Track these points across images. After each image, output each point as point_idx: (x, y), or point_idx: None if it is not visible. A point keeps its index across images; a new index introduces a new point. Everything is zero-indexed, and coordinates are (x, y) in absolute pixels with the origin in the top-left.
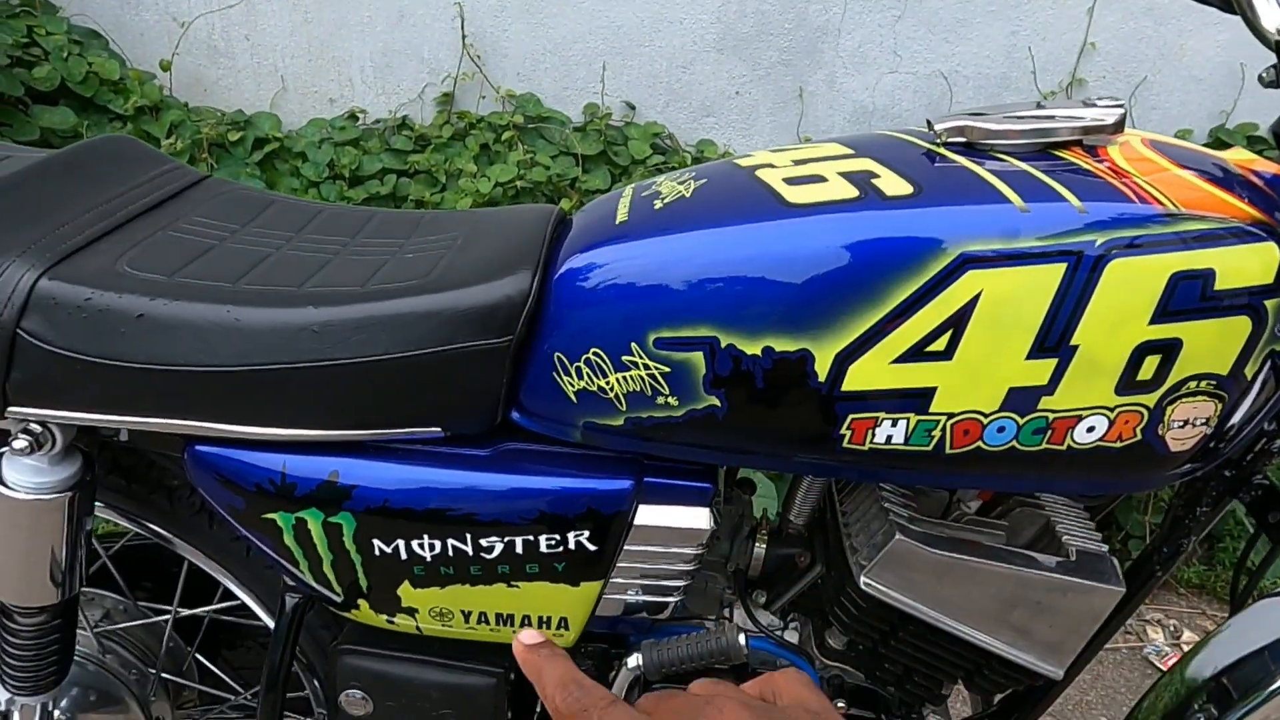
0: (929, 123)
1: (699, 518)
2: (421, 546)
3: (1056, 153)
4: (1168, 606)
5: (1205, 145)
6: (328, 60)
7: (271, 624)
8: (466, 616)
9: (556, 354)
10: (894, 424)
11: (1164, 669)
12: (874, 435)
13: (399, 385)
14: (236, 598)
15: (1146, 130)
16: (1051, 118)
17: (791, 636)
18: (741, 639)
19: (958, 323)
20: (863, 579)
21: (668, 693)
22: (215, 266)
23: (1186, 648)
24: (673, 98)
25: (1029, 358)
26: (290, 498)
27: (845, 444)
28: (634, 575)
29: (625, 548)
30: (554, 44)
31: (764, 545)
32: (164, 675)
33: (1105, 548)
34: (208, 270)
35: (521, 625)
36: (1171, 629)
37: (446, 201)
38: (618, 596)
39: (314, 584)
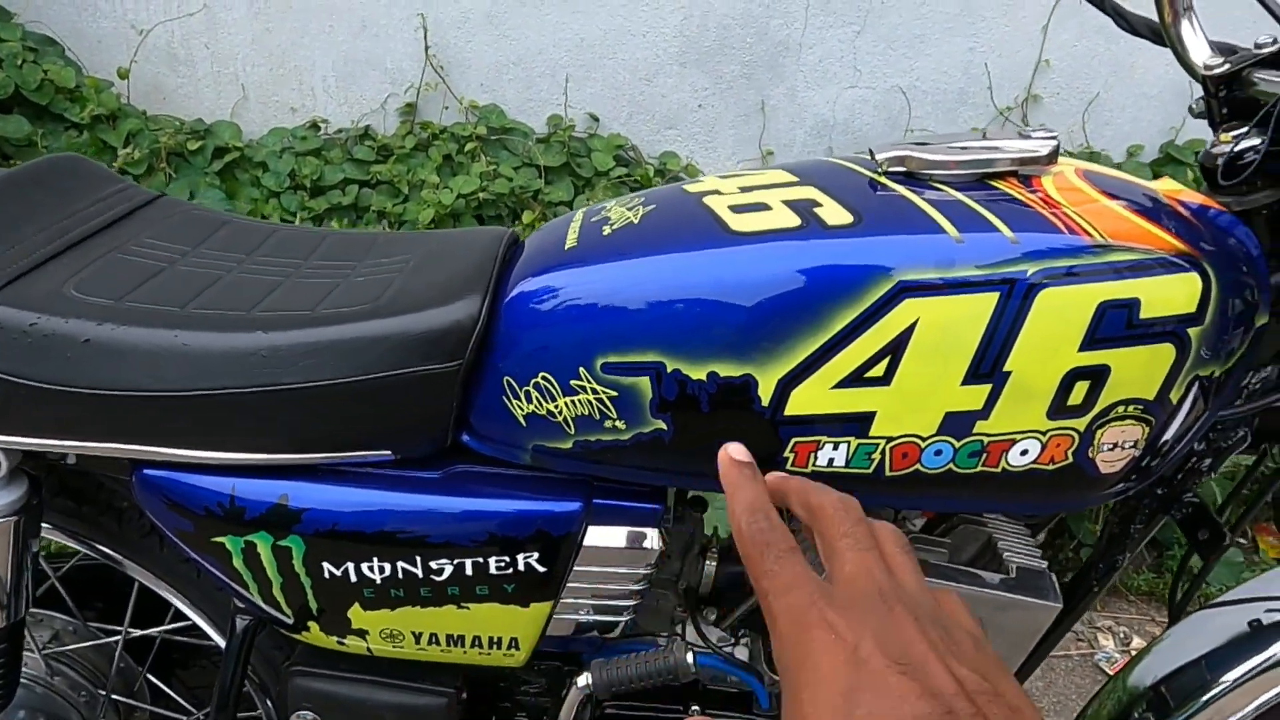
0: (871, 152)
1: (647, 539)
2: (371, 569)
3: (993, 183)
4: (1118, 614)
5: (1156, 160)
6: (289, 69)
7: (223, 644)
8: (417, 638)
9: (506, 378)
10: (835, 447)
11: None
12: (816, 458)
13: (349, 409)
14: (188, 618)
15: (1099, 145)
16: (989, 148)
17: (742, 653)
18: (690, 657)
19: (895, 349)
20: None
21: (860, 563)
22: (164, 290)
23: (1139, 648)
24: (636, 110)
25: (964, 383)
26: (239, 521)
27: (788, 466)
28: (584, 595)
29: (575, 569)
30: (517, 55)
31: (714, 563)
32: (114, 697)
33: (1044, 564)
34: (157, 294)
35: (472, 646)
36: (1122, 636)
37: (409, 212)
38: (568, 616)
39: (264, 606)
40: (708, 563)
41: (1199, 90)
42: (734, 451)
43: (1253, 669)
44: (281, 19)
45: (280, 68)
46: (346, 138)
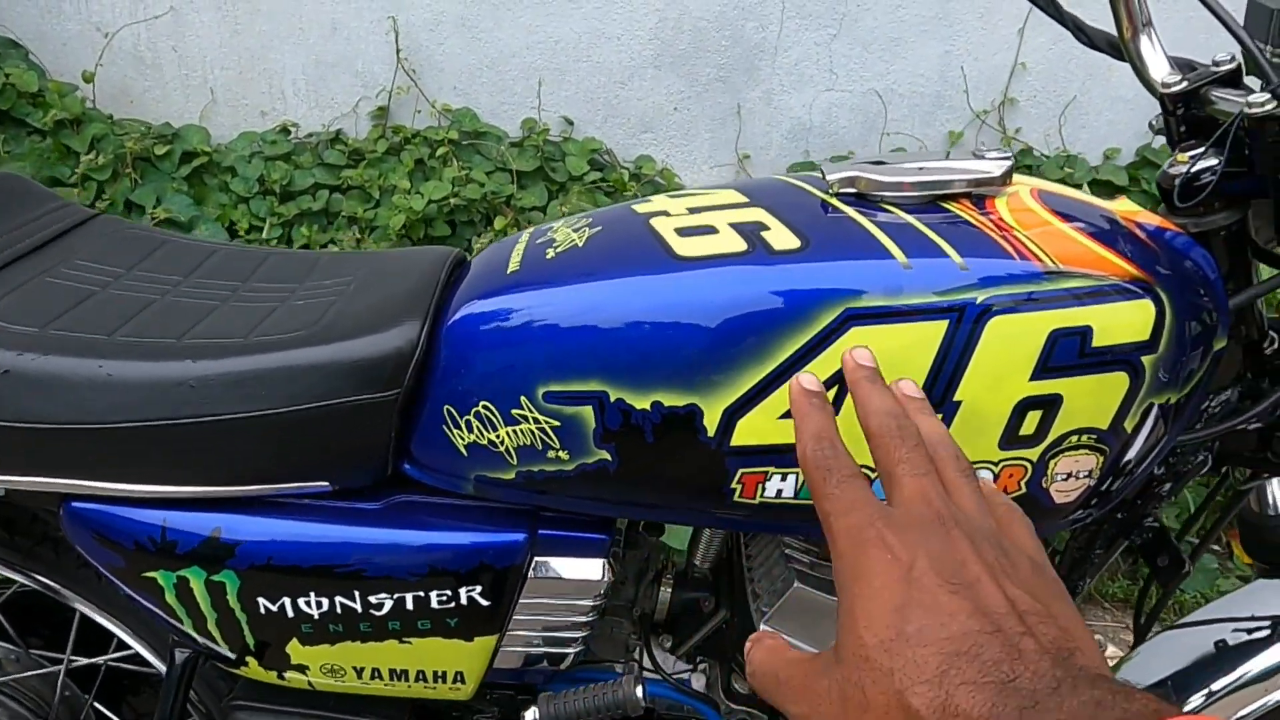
0: (822, 172)
1: (595, 569)
2: (309, 604)
3: (944, 205)
4: (1093, 621)
5: (1132, 163)
6: (258, 72)
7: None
8: (359, 673)
9: (446, 406)
10: (783, 478)
11: None
12: (764, 489)
13: (282, 440)
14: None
15: (1076, 149)
16: (942, 169)
17: (699, 681)
18: (639, 691)
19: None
20: (763, 627)
21: (918, 488)
22: (92, 316)
23: (1112, 661)
24: (611, 113)
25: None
26: (171, 555)
27: (736, 498)
28: (531, 628)
29: (520, 601)
30: (490, 58)
31: (669, 589)
32: None
33: None
34: (84, 321)
35: (416, 680)
36: (1098, 643)
37: (380, 218)
38: (515, 649)
39: (200, 640)
40: (663, 589)
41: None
42: (805, 382)
43: (1219, 690)
44: (250, 21)
45: (249, 71)
46: (317, 142)
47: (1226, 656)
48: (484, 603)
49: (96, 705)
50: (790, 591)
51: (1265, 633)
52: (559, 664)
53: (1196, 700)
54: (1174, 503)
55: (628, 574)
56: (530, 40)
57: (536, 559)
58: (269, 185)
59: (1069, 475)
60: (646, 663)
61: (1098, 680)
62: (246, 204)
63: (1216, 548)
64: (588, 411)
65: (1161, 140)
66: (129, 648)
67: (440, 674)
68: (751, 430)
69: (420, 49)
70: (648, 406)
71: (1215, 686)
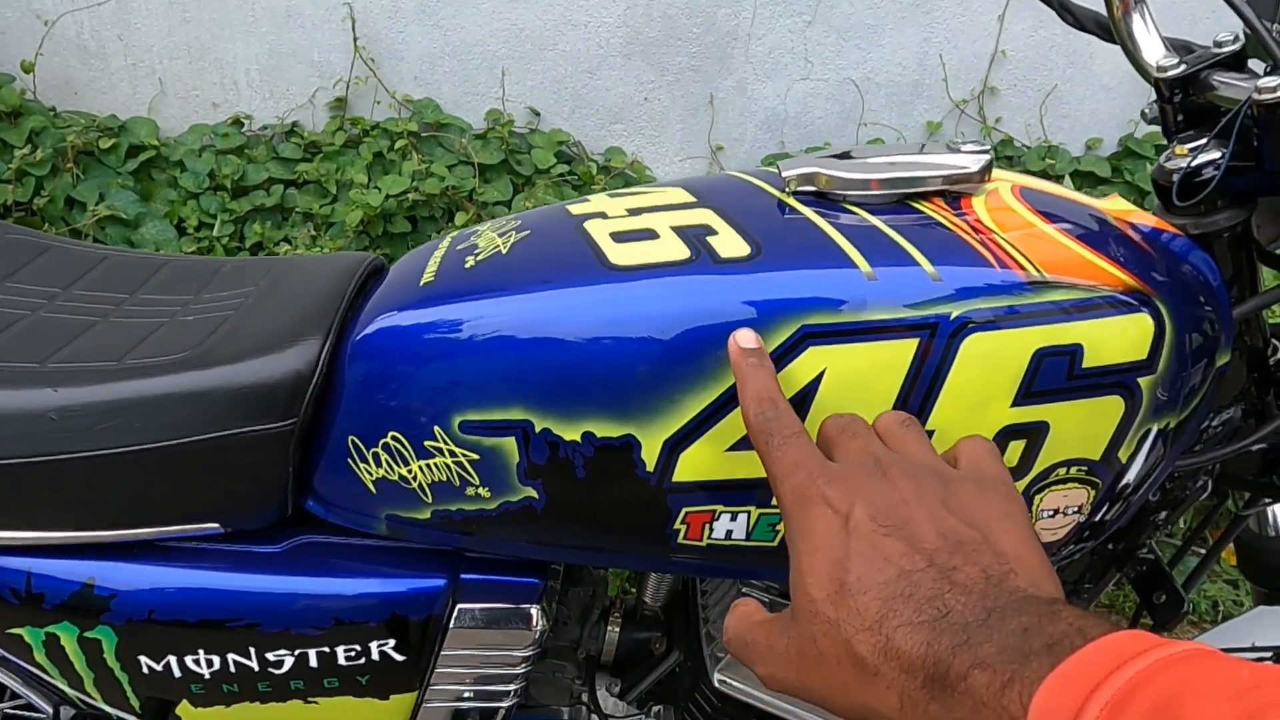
0: (779, 169)
1: (526, 617)
2: (198, 663)
3: (915, 205)
4: None
5: (1115, 154)
6: (209, 62)
7: None
8: None
9: (351, 437)
10: (733, 518)
11: None
12: (712, 530)
13: (163, 478)
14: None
15: (1058, 138)
16: (912, 164)
17: None
18: None
19: (800, 405)
20: (716, 675)
21: (858, 444)
22: None
23: None
24: (579, 104)
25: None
26: (38, 610)
27: (681, 539)
28: (456, 682)
29: (442, 654)
30: (453, 47)
31: (617, 629)
32: None
33: None
34: None
35: None
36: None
37: (337, 213)
38: (439, 705)
39: (77, 699)
40: (610, 628)
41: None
42: (742, 339)
43: None
44: (199, 8)
45: (200, 61)
46: (272, 134)
47: None
48: (399, 658)
49: None
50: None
51: (1267, 664)
52: (491, 718)
53: None
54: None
55: (571, 612)
56: (494, 28)
57: (460, 606)
58: (220, 180)
59: (1056, 511)
60: (593, 710)
61: (1026, 604)
62: (196, 200)
63: (1202, 550)
64: (510, 443)
65: (1146, 129)
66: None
67: None
68: (696, 464)
69: (379, 37)
70: (578, 438)
71: None
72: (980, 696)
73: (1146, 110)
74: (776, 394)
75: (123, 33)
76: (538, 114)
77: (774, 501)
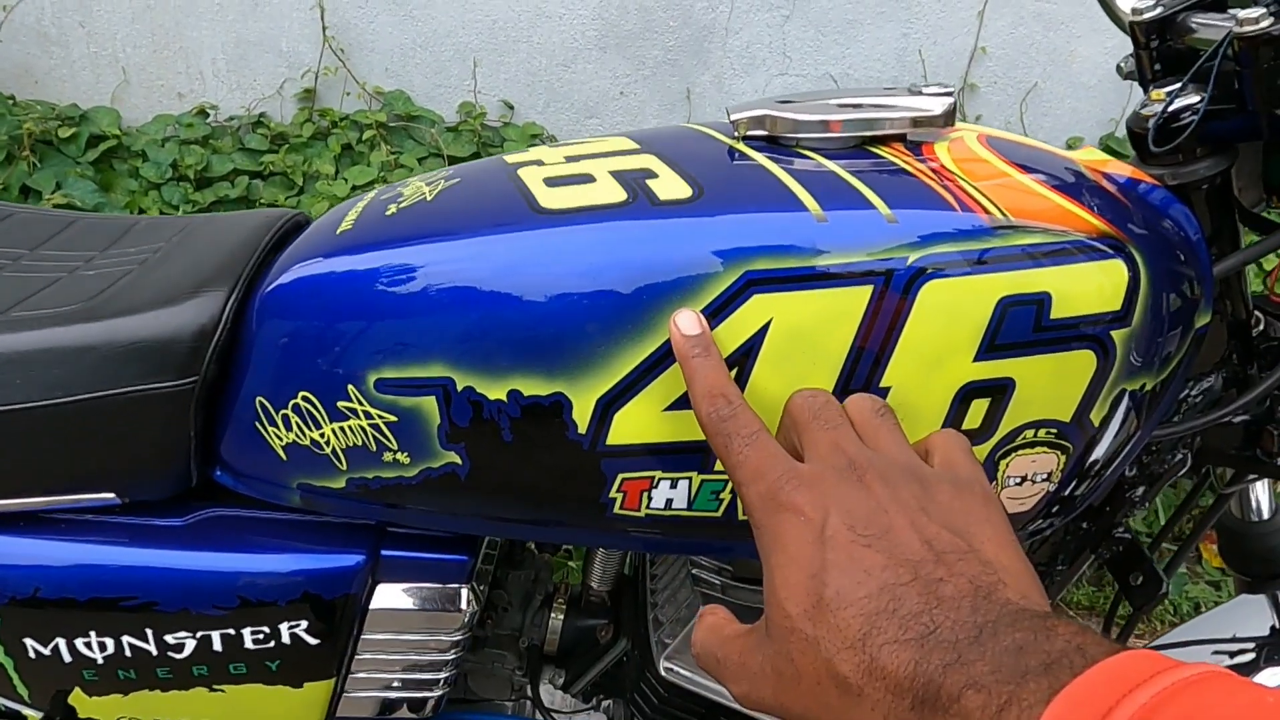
0: (728, 113)
1: (454, 598)
2: (90, 646)
3: (873, 149)
4: None
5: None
6: (174, 51)
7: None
8: None
9: (258, 398)
10: (673, 485)
11: None
12: (650, 498)
13: (49, 441)
14: None
15: (1038, 136)
16: (870, 106)
17: None
18: None
19: (744, 359)
20: (663, 663)
21: (831, 440)
22: None
23: None
24: (553, 97)
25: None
26: None
27: (617, 509)
28: (378, 669)
29: (363, 637)
30: (425, 38)
31: (561, 616)
32: None
33: None
34: None
35: None
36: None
37: (303, 205)
38: (361, 694)
39: None
40: (554, 615)
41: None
42: (683, 324)
43: None
44: None
45: (165, 49)
46: (238, 125)
47: None
48: (312, 641)
49: None
50: (696, 619)
51: (1249, 656)
52: (421, 710)
53: None
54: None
55: (511, 598)
56: (466, 19)
57: (380, 586)
58: (183, 171)
59: (1024, 479)
60: (535, 702)
61: (1019, 619)
62: (158, 190)
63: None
64: (430, 403)
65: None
66: None
67: None
68: (632, 425)
69: (349, 27)
70: (503, 396)
71: None
72: (974, 719)
73: (1122, 64)
74: (729, 387)
75: (85, 19)
76: (511, 107)
77: (717, 467)
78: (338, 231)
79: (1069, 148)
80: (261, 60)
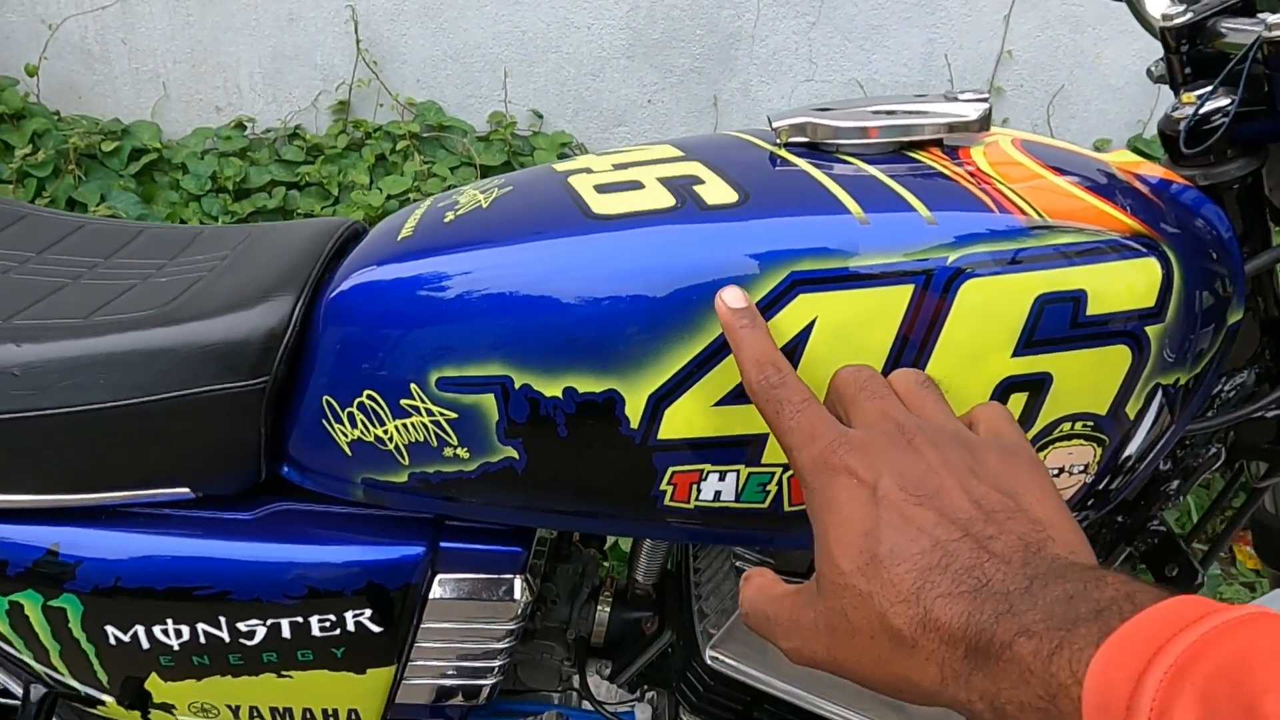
0: (769, 121)
1: (509, 588)
2: (166, 633)
3: (911, 154)
4: None
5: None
6: (212, 66)
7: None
8: (235, 711)
9: (325, 397)
10: (722, 477)
11: None
12: (699, 491)
13: (129, 439)
14: None
15: (1065, 139)
16: (907, 113)
17: (644, 712)
18: None
19: (790, 355)
20: (709, 652)
21: (878, 408)
22: None
23: None
24: (582, 106)
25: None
26: (1, 577)
27: (667, 501)
28: (436, 657)
29: (422, 626)
30: (455, 50)
31: (607, 609)
32: None
33: None
34: None
35: (302, 718)
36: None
37: (339, 214)
38: (420, 682)
39: (45, 674)
40: (600, 608)
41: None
42: (729, 299)
43: None
44: (203, 12)
45: (203, 64)
46: (275, 137)
47: None
48: (375, 629)
49: None
50: (740, 611)
51: None
52: (475, 697)
53: None
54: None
55: (559, 592)
56: (497, 30)
57: (440, 576)
58: (222, 182)
59: (1061, 470)
60: (583, 692)
61: (1069, 571)
62: (198, 202)
63: (1220, 552)
64: (489, 401)
65: (1154, 130)
66: None
67: (331, 712)
68: (682, 420)
69: (382, 40)
70: (559, 394)
71: None
72: (1027, 665)
73: (1153, 68)
74: (777, 356)
75: (126, 36)
76: (540, 116)
77: (765, 460)
78: (399, 238)
79: (1097, 150)
80: (297, 73)
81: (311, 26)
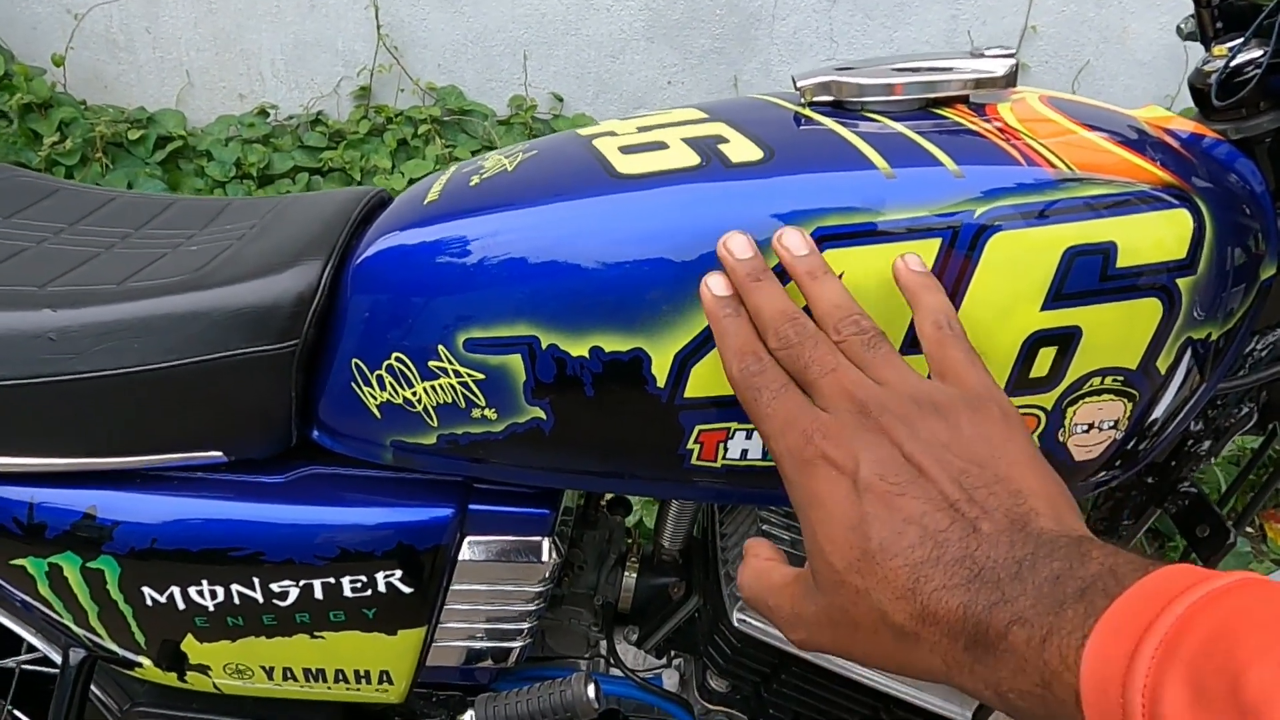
0: (794, 80)
1: (537, 550)
2: (202, 594)
3: (937, 111)
4: None
5: None
6: (235, 53)
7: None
8: (269, 673)
9: (354, 360)
10: (748, 436)
11: None
12: (726, 449)
13: (162, 402)
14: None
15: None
16: (933, 69)
17: (671, 677)
18: (591, 691)
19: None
20: (735, 615)
21: (834, 384)
22: None
23: None
24: (602, 88)
25: (902, 352)
26: (40, 540)
27: (694, 460)
28: (466, 619)
29: (452, 588)
30: (475, 34)
31: (634, 575)
32: None
33: None
34: None
35: (335, 681)
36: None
37: None
38: (450, 644)
39: (84, 637)
40: (627, 574)
41: (1194, 54)
42: (714, 286)
43: None
44: (225, 0)
45: (226, 52)
46: (297, 124)
47: None
48: (406, 590)
49: (15, 712)
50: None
51: None
52: (505, 660)
53: None
54: (1201, 474)
55: (587, 558)
56: (516, 13)
57: (468, 539)
58: (246, 169)
59: (1091, 426)
60: (611, 658)
61: (1055, 548)
62: (223, 188)
63: (1249, 529)
64: (516, 361)
65: (1182, 104)
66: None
67: (363, 673)
68: (708, 378)
69: (402, 25)
70: (585, 353)
71: None
72: (1021, 654)
73: (1183, 25)
74: (757, 345)
75: (150, 25)
76: (561, 99)
77: None
78: (425, 202)
79: None
80: (319, 60)
81: (333, 13)
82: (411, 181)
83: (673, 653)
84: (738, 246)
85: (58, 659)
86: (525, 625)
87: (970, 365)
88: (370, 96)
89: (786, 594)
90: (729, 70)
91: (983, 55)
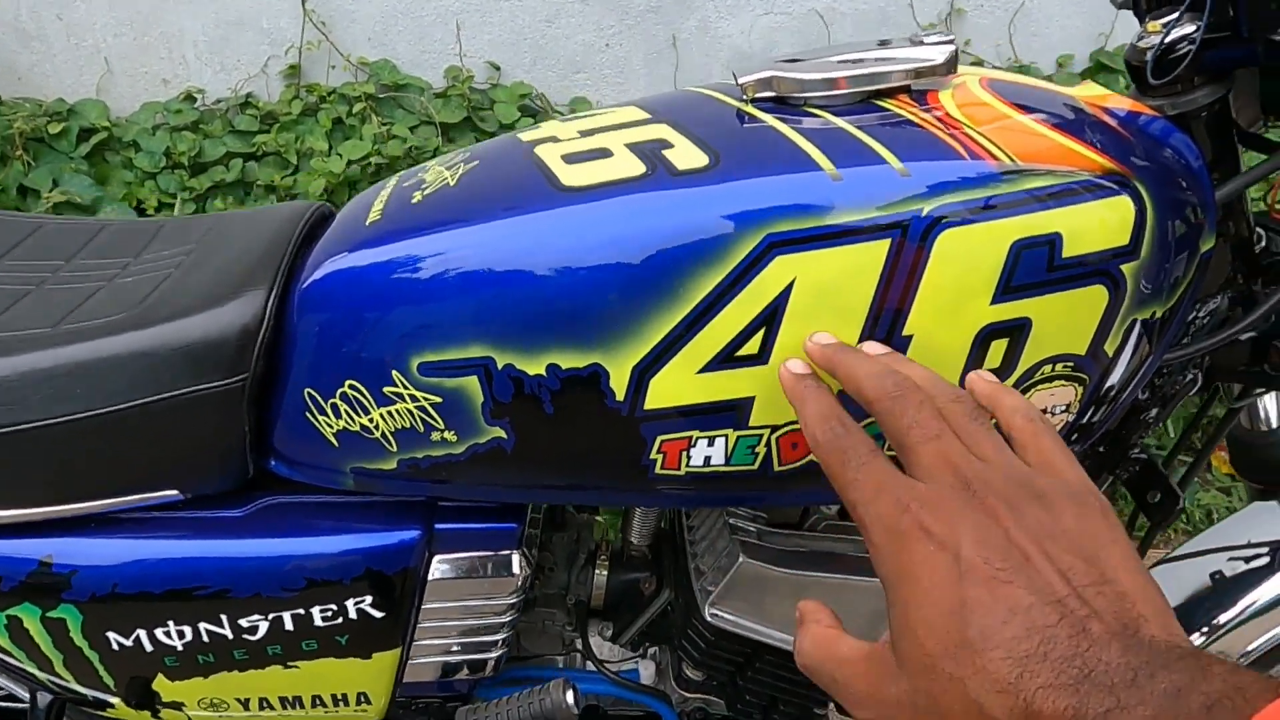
0: (734, 76)
1: (507, 564)
2: (169, 635)
3: (880, 103)
4: None
5: (1087, 69)
6: (155, 37)
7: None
8: (245, 704)
9: (306, 390)
10: (710, 443)
11: None
12: (689, 458)
13: (111, 446)
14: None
15: (1028, 57)
16: (874, 60)
17: (649, 668)
18: (570, 697)
19: (770, 319)
20: (708, 609)
21: (936, 453)
22: None
23: None
24: (539, 55)
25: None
26: None
27: (658, 470)
28: (440, 635)
29: (424, 607)
30: (406, 5)
31: (605, 572)
32: None
33: None
34: None
35: (314, 706)
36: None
37: (299, 184)
38: (425, 660)
39: (50, 682)
40: (598, 572)
41: None
42: (794, 367)
43: (1223, 625)
44: None
45: (145, 35)
46: (226, 108)
47: (1226, 588)
48: (377, 615)
49: None
50: (736, 567)
51: (1264, 560)
52: (482, 670)
53: (1197, 639)
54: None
55: (557, 559)
56: None
57: (437, 558)
58: (177, 158)
59: (1044, 411)
60: (587, 655)
61: (1171, 659)
62: (154, 180)
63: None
64: (472, 383)
65: (1117, 41)
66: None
67: (340, 697)
68: (668, 389)
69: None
70: (542, 371)
71: (1218, 621)
72: None
73: None
74: (841, 411)
75: (61, 12)
76: (498, 68)
77: (752, 423)
78: (367, 222)
79: (1060, 67)
80: (243, 39)
81: None
82: (351, 163)
83: (647, 645)
84: (821, 338)
85: (24, 694)
86: (500, 636)
87: (1068, 459)
88: (300, 75)
89: (860, 670)
90: (667, 30)
91: (922, 42)
